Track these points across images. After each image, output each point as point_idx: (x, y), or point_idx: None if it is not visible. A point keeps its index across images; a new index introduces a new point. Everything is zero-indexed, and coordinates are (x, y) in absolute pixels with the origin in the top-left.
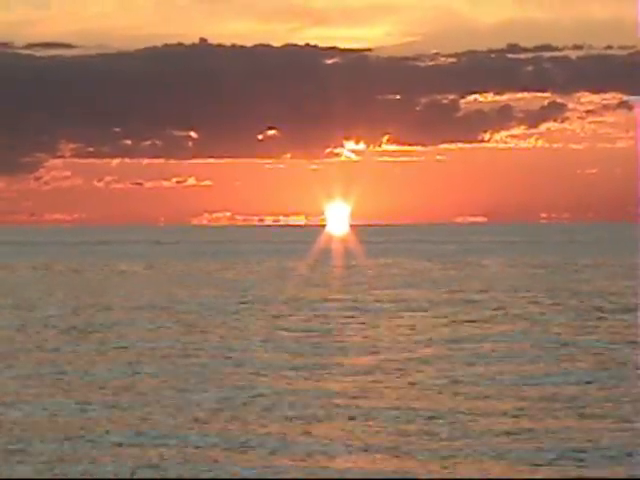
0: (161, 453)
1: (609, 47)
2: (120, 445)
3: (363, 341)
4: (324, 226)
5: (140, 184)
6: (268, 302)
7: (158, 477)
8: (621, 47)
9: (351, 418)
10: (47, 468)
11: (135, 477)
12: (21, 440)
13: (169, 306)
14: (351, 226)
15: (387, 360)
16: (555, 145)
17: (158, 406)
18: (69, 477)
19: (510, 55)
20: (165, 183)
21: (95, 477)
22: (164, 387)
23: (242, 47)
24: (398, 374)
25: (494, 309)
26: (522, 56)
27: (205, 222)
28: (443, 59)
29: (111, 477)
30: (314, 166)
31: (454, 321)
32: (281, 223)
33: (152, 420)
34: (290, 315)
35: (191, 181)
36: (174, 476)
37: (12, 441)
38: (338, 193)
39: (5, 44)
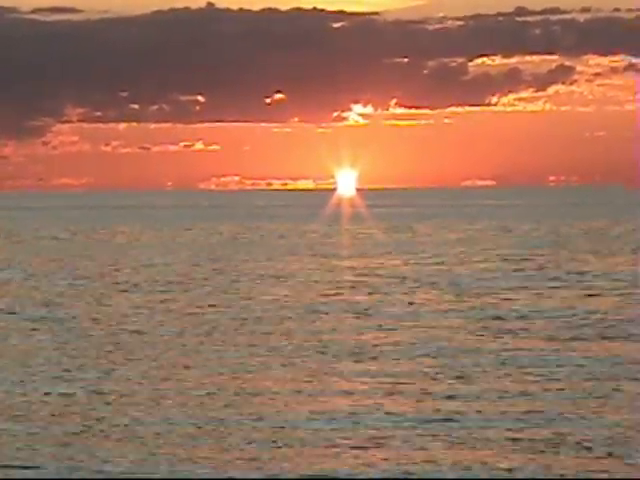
0: None
1: (617, 10)
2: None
3: None
4: (333, 190)
5: (147, 149)
6: None
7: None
8: (629, 10)
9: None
10: None
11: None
12: None
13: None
14: (358, 190)
15: None
16: (563, 108)
17: None
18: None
19: (518, 18)
20: (172, 147)
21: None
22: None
23: (249, 11)
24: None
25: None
26: (530, 19)
27: (213, 186)
28: (451, 22)
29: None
30: (322, 130)
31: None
32: (289, 187)
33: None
34: None
35: (199, 145)
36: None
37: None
38: (346, 157)
39: (11, 9)
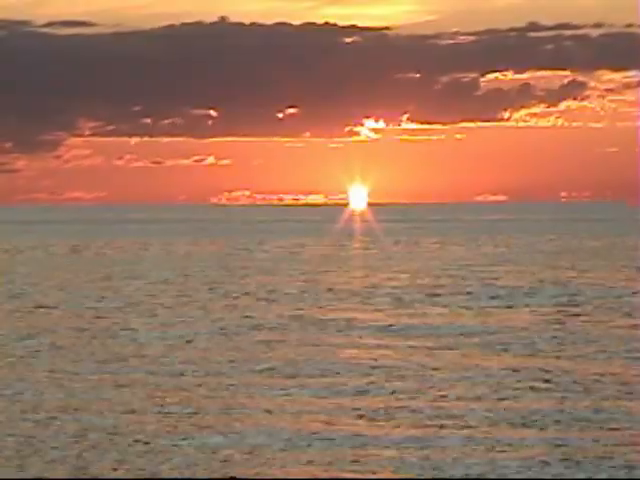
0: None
1: (629, 25)
2: None
3: None
4: (344, 205)
5: (159, 163)
6: None
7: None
8: None
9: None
10: None
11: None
12: None
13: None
14: (369, 205)
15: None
16: (575, 124)
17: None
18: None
19: (530, 33)
20: (184, 162)
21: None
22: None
23: (261, 25)
24: None
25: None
26: (542, 34)
27: (224, 201)
28: (463, 37)
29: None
30: (333, 144)
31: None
32: (300, 202)
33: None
34: None
35: (210, 160)
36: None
37: None
38: (357, 171)
39: (24, 22)
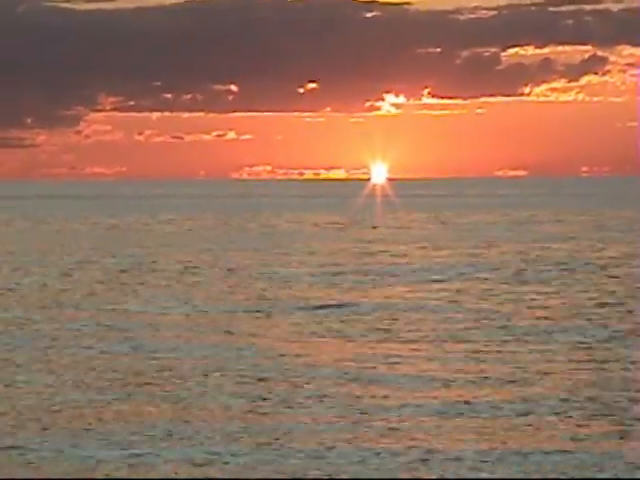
0: None
1: None
2: None
3: None
4: (365, 180)
5: (180, 138)
6: None
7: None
8: None
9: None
10: None
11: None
12: None
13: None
14: (390, 180)
15: None
16: (596, 98)
17: None
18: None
19: (551, 8)
20: (205, 137)
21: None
22: None
23: (283, 0)
24: None
25: None
26: (563, 9)
27: (245, 176)
28: (484, 12)
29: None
30: (354, 119)
31: None
32: (321, 177)
33: None
34: None
35: (231, 135)
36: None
37: None
38: (378, 146)
39: None
